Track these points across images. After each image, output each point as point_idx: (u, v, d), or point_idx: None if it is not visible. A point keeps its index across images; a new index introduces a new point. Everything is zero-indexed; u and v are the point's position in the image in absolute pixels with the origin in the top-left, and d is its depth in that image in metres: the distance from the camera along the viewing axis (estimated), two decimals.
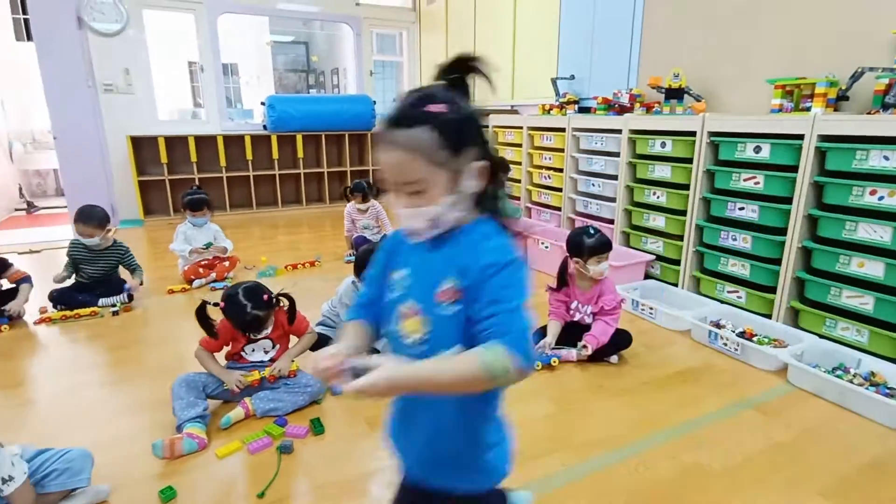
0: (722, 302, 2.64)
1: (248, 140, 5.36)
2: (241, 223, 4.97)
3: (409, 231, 0.83)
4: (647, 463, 1.56)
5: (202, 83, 5.59)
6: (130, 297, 2.88)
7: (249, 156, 5.41)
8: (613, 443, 1.66)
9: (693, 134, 2.73)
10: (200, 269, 3.24)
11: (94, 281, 2.89)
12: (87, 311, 2.72)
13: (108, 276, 2.95)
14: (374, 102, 6.03)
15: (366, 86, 6.31)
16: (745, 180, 2.51)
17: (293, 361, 1.89)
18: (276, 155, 5.54)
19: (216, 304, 1.79)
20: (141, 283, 3.03)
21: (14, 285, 2.70)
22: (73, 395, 1.97)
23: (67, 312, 2.68)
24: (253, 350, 1.90)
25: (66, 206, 5.06)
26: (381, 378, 0.69)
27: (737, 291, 2.60)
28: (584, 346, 2.13)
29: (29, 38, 6.54)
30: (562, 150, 3.74)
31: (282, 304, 1.90)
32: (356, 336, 0.89)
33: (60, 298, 2.76)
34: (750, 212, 2.50)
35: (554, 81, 4.08)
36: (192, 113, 7.14)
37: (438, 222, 0.80)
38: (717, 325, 2.40)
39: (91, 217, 2.83)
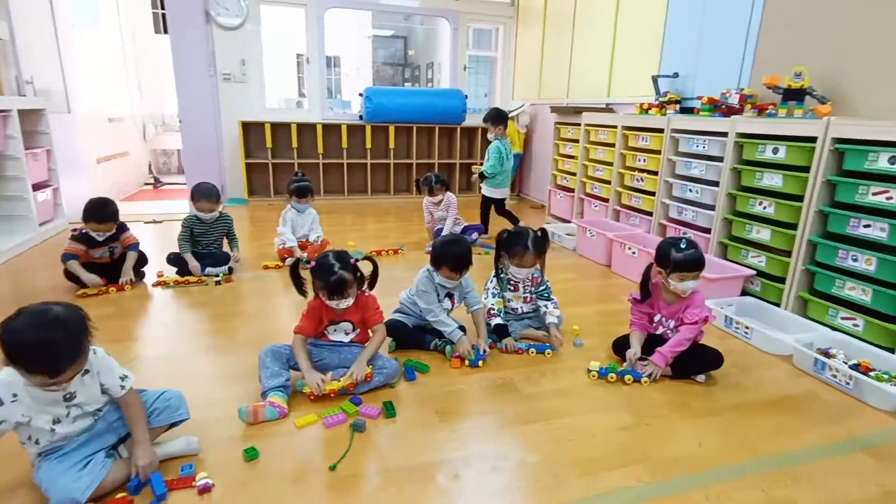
0: (833, 328, 2.37)
1: (344, 129, 5.62)
2: (332, 208, 5.23)
3: None
4: (730, 492, 1.45)
5: (307, 74, 5.92)
6: (231, 270, 3.15)
7: (345, 144, 5.67)
8: (695, 465, 1.56)
9: (813, 140, 2.46)
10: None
11: (205, 251, 3.19)
12: (195, 278, 3.01)
13: (217, 246, 3.24)
14: (466, 97, 6.07)
15: (459, 80, 6.36)
16: (874, 195, 2.23)
17: (369, 366, 1.89)
18: (369, 144, 5.76)
19: (308, 262, 1.92)
20: (237, 258, 3.28)
21: (125, 249, 3.00)
22: (174, 357, 2.18)
23: (179, 278, 3.00)
24: (335, 330, 1.99)
25: (185, 183, 5.61)
26: None
27: (853, 319, 2.33)
28: (645, 363, 2.03)
29: (165, 31, 7.31)
30: (658, 153, 3.54)
31: (363, 291, 1.97)
32: None
33: (176, 262, 3.10)
34: (878, 230, 2.21)
35: (655, 79, 3.86)
36: (296, 102, 7.60)
37: None
38: (826, 354, 2.16)
39: (211, 194, 3.15)
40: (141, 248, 3.04)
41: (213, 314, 2.65)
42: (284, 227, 3.51)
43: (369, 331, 2.00)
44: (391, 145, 5.83)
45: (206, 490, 1.38)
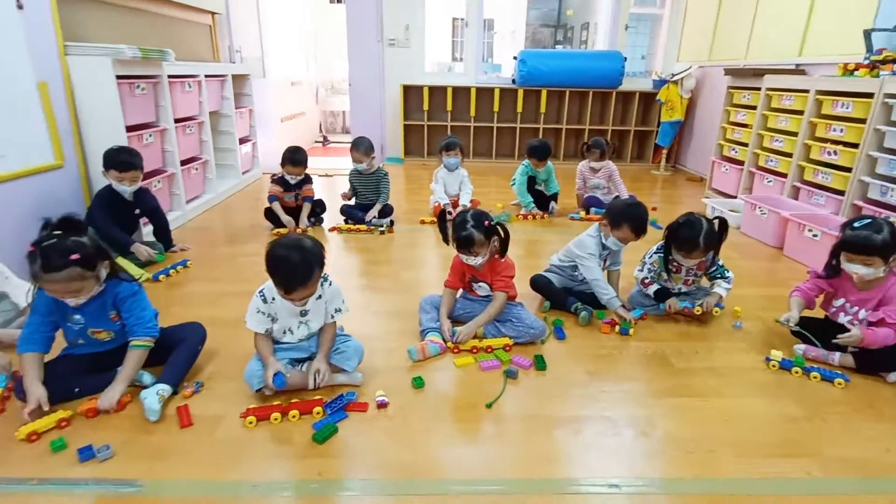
0: None
1: (497, 93, 5.68)
2: (481, 171, 5.37)
3: None
4: None
5: (464, 37, 6.04)
6: (392, 223, 3.47)
7: (496, 108, 5.74)
8: (879, 470, 1.43)
9: None
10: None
11: (369, 202, 3.55)
12: (364, 227, 3.38)
13: (377, 197, 3.56)
14: (625, 59, 5.72)
15: (618, 41, 6.00)
16: None
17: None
18: (520, 108, 5.76)
19: (450, 214, 2.04)
20: (385, 210, 3.54)
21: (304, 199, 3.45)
22: (344, 293, 2.50)
23: (351, 226, 3.39)
24: (480, 286, 2.11)
25: (349, 142, 6.17)
26: None
27: None
28: (850, 333, 1.77)
29: (339, 0, 7.93)
30: (862, 121, 3.04)
31: (498, 254, 2.02)
32: None
33: (348, 213, 3.50)
34: None
35: (867, 34, 3.26)
36: (447, 67, 7.80)
37: None
38: None
39: (360, 145, 3.48)
40: (317, 197, 3.51)
41: (377, 259, 2.97)
42: (437, 185, 3.74)
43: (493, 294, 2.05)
44: (542, 109, 5.77)
45: (382, 406, 1.62)
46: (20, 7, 2.33)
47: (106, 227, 2.51)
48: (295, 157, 3.32)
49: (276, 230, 3.32)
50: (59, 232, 1.47)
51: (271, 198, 3.34)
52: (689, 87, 5.55)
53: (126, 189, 2.58)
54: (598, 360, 1.94)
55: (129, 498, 1.27)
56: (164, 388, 1.58)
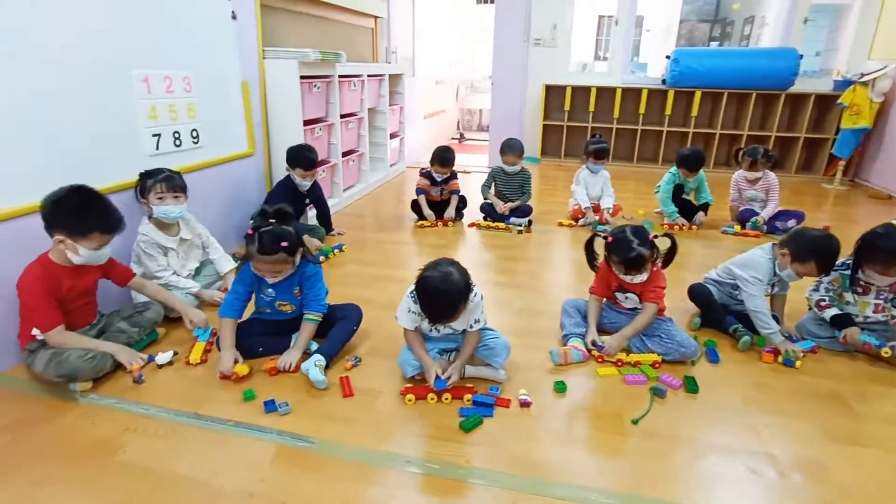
0: None
1: (644, 94, 5.39)
2: (621, 175, 5.15)
3: None
4: None
5: (612, 36, 5.82)
6: (530, 223, 3.48)
7: (642, 110, 5.45)
8: None
9: None
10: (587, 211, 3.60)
11: (507, 199, 3.59)
12: (503, 225, 3.44)
13: (517, 196, 3.58)
14: (801, 57, 5.08)
15: (793, 36, 5.34)
16: None
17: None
18: (668, 111, 5.41)
19: (605, 237, 1.96)
20: (524, 210, 3.54)
21: (450, 193, 3.60)
22: (483, 287, 2.57)
23: (490, 223, 3.47)
24: (627, 297, 2.03)
25: (484, 140, 6.30)
26: None
27: None
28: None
29: (486, 0, 8.08)
30: None
31: (656, 258, 1.92)
32: None
33: (487, 210, 3.58)
34: None
35: None
36: (583, 66, 7.54)
37: None
38: None
39: (514, 147, 3.51)
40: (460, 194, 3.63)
41: (514, 257, 3.01)
42: (578, 187, 3.67)
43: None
44: (693, 113, 5.36)
45: (526, 405, 1.65)
46: (234, 17, 2.73)
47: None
48: (445, 156, 3.48)
49: (420, 222, 3.51)
50: (273, 221, 1.74)
51: (419, 190, 3.54)
52: (883, 90, 4.77)
53: (306, 184, 2.93)
54: (757, 390, 1.78)
55: (303, 451, 1.45)
56: (320, 359, 1.76)
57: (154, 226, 2.15)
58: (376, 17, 4.78)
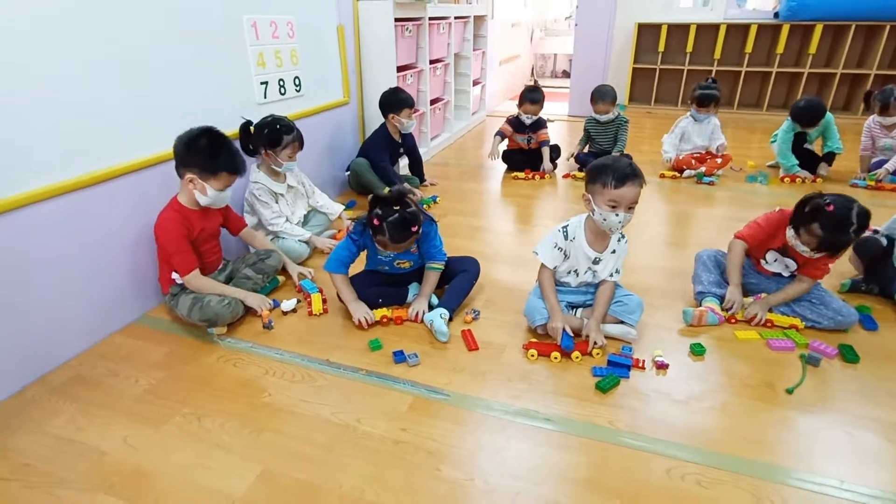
0: None
1: (753, 30, 4.84)
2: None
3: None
4: None
5: None
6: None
7: (749, 48, 4.92)
8: None
9: None
10: (693, 161, 3.33)
11: (603, 150, 3.38)
12: None
13: (613, 146, 3.38)
14: None
15: None
16: None
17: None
18: (780, 49, 4.85)
19: (826, 203, 1.57)
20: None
21: (539, 143, 3.42)
22: None
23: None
24: (775, 261, 1.84)
25: (559, 87, 5.93)
26: None
27: None
28: None
29: None
30: None
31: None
32: None
33: (582, 161, 3.40)
34: None
35: None
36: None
37: None
38: None
39: (606, 95, 3.28)
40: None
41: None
42: (669, 136, 3.40)
43: None
44: (811, 50, 4.77)
45: (662, 367, 1.56)
46: None
47: (385, 166, 2.83)
48: (533, 95, 3.30)
49: (514, 173, 3.38)
50: (397, 207, 1.62)
51: (499, 133, 3.41)
52: None
53: (412, 124, 2.86)
54: None
55: (439, 403, 1.44)
56: (444, 312, 1.73)
57: (265, 173, 2.16)
58: None
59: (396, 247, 1.70)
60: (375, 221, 1.63)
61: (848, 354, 1.59)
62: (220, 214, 1.87)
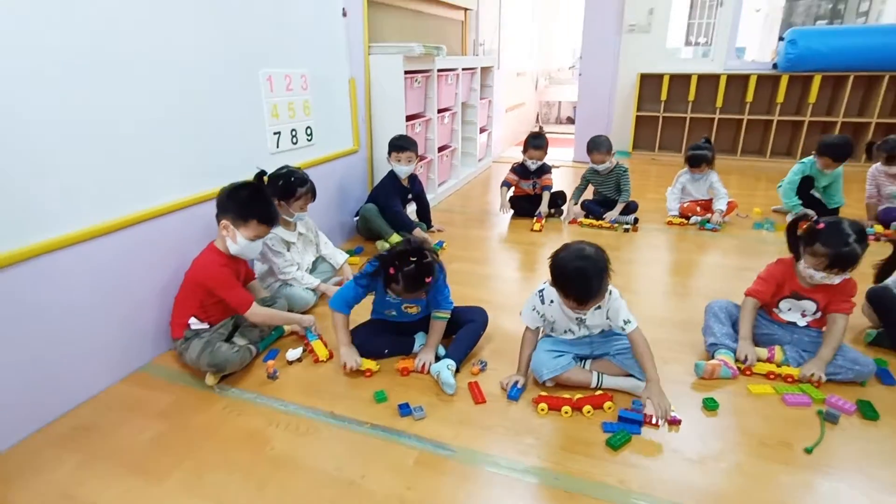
0: None
1: (752, 81, 4.97)
2: (723, 169, 4.66)
3: None
4: None
5: (715, 19, 5.40)
6: (636, 220, 3.28)
7: (749, 98, 5.03)
8: None
9: None
10: (698, 208, 3.35)
11: (606, 199, 3.41)
12: (607, 223, 3.27)
13: (613, 193, 3.39)
14: None
15: None
16: None
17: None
18: (780, 99, 4.95)
19: (815, 221, 1.65)
20: (630, 207, 3.35)
21: (542, 188, 3.46)
22: None
23: (593, 221, 3.31)
24: (790, 309, 1.82)
25: (564, 133, 6.05)
26: None
27: None
28: None
29: None
30: None
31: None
32: None
33: (588, 208, 3.43)
34: None
35: None
36: (678, 51, 7.03)
37: None
38: None
39: (601, 145, 3.31)
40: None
41: (628, 259, 2.83)
42: (672, 189, 3.43)
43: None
44: (811, 99, 4.86)
45: (674, 423, 1.52)
46: (345, 15, 2.74)
47: (398, 211, 2.89)
48: (537, 142, 3.37)
49: (515, 217, 3.43)
50: (414, 259, 1.61)
51: (504, 183, 3.48)
52: None
53: (403, 168, 2.88)
54: None
55: (445, 459, 1.40)
56: (451, 363, 1.71)
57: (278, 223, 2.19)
58: (466, 10, 4.70)
59: (408, 295, 1.70)
60: (391, 270, 1.63)
61: (867, 411, 1.55)
62: (244, 266, 1.93)
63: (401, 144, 2.86)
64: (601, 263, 1.49)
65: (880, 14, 7.12)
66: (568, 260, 1.50)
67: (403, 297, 1.74)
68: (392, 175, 2.93)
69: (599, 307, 1.62)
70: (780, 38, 5.03)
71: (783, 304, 1.83)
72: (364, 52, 2.98)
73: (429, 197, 3.66)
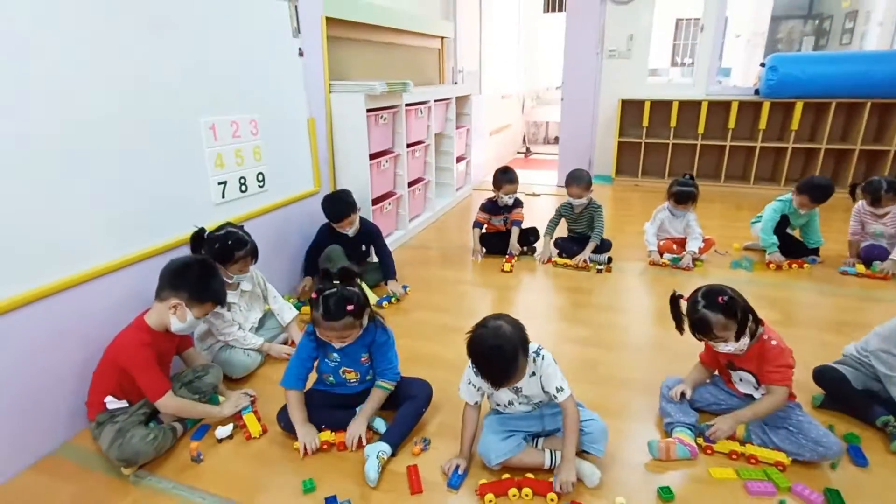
0: None
1: (734, 106, 4.89)
2: (705, 196, 4.62)
3: None
4: None
5: (698, 42, 5.34)
6: (610, 259, 3.17)
7: (731, 124, 4.95)
8: None
9: None
10: (674, 246, 3.24)
11: (581, 236, 3.29)
12: (582, 263, 3.14)
13: (586, 230, 3.26)
14: None
15: None
16: None
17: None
18: (762, 125, 4.87)
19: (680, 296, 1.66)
20: (604, 246, 3.24)
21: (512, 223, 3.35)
22: (561, 345, 2.30)
23: (568, 260, 3.19)
24: (741, 380, 1.71)
25: (552, 154, 5.97)
26: None
27: None
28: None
29: (554, 9, 7.75)
30: None
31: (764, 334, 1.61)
32: None
33: (561, 246, 3.31)
34: None
35: None
36: (657, 72, 6.99)
37: None
38: None
39: (580, 179, 3.18)
40: (526, 220, 3.39)
41: (597, 304, 2.71)
42: (650, 225, 3.30)
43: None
44: (793, 126, 4.79)
45: None
46: (301, 54, 2.64)
47: (307, 251, 2.74)
48: (509, 176, 3.27)
49: (487, 255, 3.32)
50: (337, 282, 1.58)
51: (476, 224, 3.38)
52: None
53: (349, 231, 2.71)
54: None
55: None
56: (385, 451, 1.57)
57: None
58: (443, 38, 4.63)
59: (335, 332, 1.57)
60: (314, 295, 1.57)
61: (834, 501, 1.42)
62: (179, 336, 1.79)
63: (336, 214, 2.67)
64: (514, 347, 1.39)
65: (862, 36, 7.10)
66: (484, 338, 1.41)
67: (332, 338, 1.60)
68: (329, 226, 2.75)
69: (534, 373, 1.51)
70: (762, 64, 4.97)
71: (734, 375, 1.73)
72: (325, 90, 2.88)
73: (400, 233, 3.56)
